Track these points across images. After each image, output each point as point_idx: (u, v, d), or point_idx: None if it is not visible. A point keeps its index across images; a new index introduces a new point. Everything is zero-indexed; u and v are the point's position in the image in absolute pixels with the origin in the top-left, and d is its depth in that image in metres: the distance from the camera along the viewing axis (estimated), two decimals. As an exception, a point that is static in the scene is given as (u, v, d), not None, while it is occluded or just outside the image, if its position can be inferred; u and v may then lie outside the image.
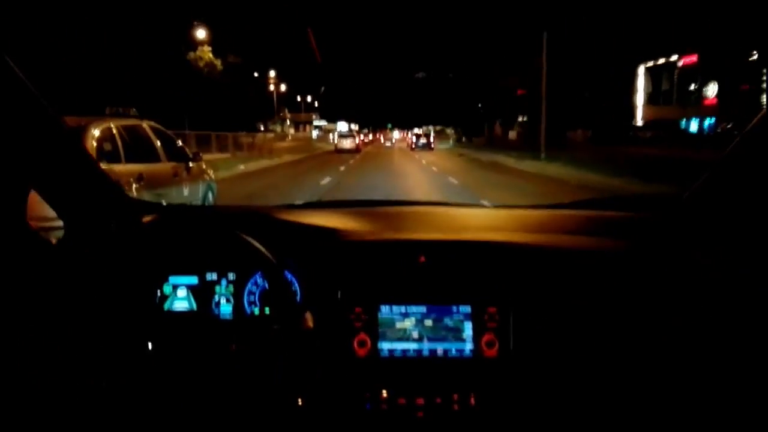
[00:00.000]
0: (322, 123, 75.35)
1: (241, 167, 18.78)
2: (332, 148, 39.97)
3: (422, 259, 1.34)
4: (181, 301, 1.37)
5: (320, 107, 72.36)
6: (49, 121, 1.18)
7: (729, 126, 28.77)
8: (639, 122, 38.61)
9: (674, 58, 36.37)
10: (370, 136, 67.96)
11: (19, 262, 1.22)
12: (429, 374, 1.28)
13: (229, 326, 1.37)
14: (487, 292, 1.31)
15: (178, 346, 1.25)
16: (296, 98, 71.34)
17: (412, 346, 1.30)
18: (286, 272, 1.29)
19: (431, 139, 43.17)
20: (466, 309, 1.30)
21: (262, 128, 43.90)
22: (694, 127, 34.70)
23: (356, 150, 36.79)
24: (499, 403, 1.25)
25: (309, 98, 74.86)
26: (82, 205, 1.31)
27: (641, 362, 1.25)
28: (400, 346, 1.30)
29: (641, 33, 30.95)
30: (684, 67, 35.82)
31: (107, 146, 5.20)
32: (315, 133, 67.75)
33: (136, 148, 5.84)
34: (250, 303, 1.38)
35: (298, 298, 1.32)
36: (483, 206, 2.00)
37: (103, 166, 1.56)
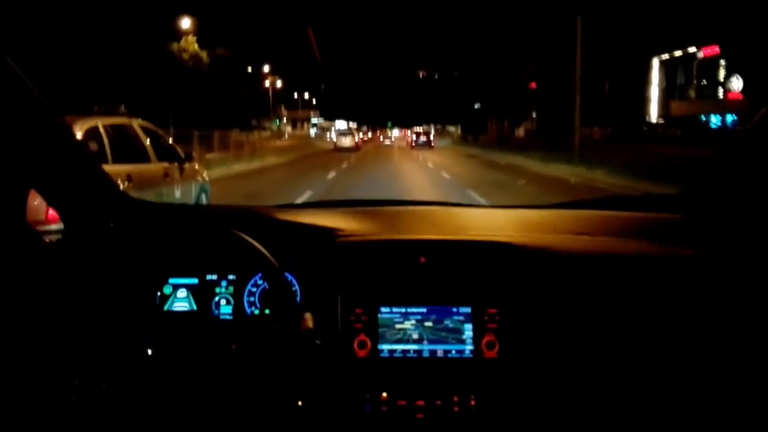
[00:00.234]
0: (319, 121, 75.73)
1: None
2: (330, 146, 40.26)
3: (422, 259, 1.42)
4: (181, 302, 1.44)
5: (319, 105, 72.73)
6: (49, 120, 1.26)
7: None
8: (653, 118, 38.30)
9: (692, 49, 36.25)
10: (369, 134, 68.46)
11: (18, 262, 1.30)
12: (429, 376, 1.35)
13: (229, 327, 1.44)
14: (488, 293, 1.38)
15: (178, 346, 1.32)
16: (293, 95, 71.77)
17: (412, 347, 1.37)
18: (286, 273, 1.37)
19: (431, 137, 43.82)
20: (467, 310, 1.37)
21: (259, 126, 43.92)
22: (714, 122, 34.54)
23: (355, 148, 37.43)
24: (499, 405, 1.32)
25: (307, 95, 75.34)
26: (82, 205, 1.39)
27: (643, 363, 1.33)
28: (400, 347, 1.37)
29: (655, 24, 30.78)
30: (705, 59, 35.74)
31: (93, 146, 5.26)
32: (313, 132, 68.01)
33: (125, 148, 5.92)
34: (250, 304, 1.45)
35: (298, 298, 1.40)
36: (483, 206, 2.09)
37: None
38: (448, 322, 1.38)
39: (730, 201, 1.40)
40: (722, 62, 34.10)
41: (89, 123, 5.37)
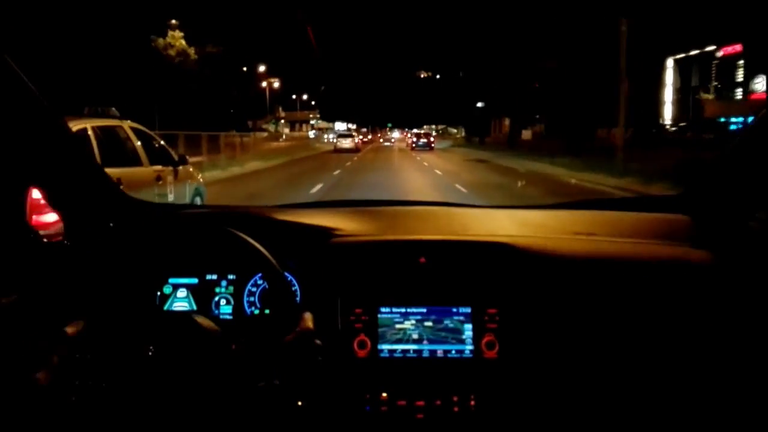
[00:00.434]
0: (316, 122, 76.30)
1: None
2: (328, 148, 40.74)
3: (422, 259, 1.50)
4: (181, 302, 1.52)
5: (319, 106, 73.20)
6: (49, 120, 1.34)
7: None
8: (667, 121, 38.00)
9: (710, 48, 36.17)
10: (369, 136, 69.14)
11: (18, 262, 1.38)
12: (429, 376, 1.42)
13: (228, 327, 1.52)
14: (488, 293, 1.45)
15: (178, 346, 1.39)
16: (292, 96, 72.14)
17: (411, 347, 1.44)
18: (286, 273, 1.44)
19: (431, 139, 44.82)
20: (466, 310, 1.45)
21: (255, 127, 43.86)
22: (734, 125, 34.37)
23: (355, 150, 38.33)
24: (499, 405, 1.39)
25: (306, 96, 75.79)
26: (82, 204, 1.47)
27: (642, 364, 1.40)
28: (399, 347, 1.44)
29: (670, 22, 30.57)
30: (724, 58, 35.67)
31: (81, 149, 5.34)
32: (312, 133, 68.51)
33: (115, 151, 6.00)
34: (250, 304, 1.53)
35: (298, 298, 1.47)
36: (483, 206, 2.16)
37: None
38: (448, 322, 1.45)
39: (731, 201, 1.48)
40: (741, 62, 34.03)
41: (78, 125, 5.43)
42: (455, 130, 70.08)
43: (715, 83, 35.95)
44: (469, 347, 1.44)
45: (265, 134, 46.59)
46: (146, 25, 27.51)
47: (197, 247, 1.53)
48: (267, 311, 1.53)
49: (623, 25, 20.49)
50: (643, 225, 1.63)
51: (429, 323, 1.45)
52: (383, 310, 1.46)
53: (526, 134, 46.66)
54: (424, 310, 1.46)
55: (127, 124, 6.53)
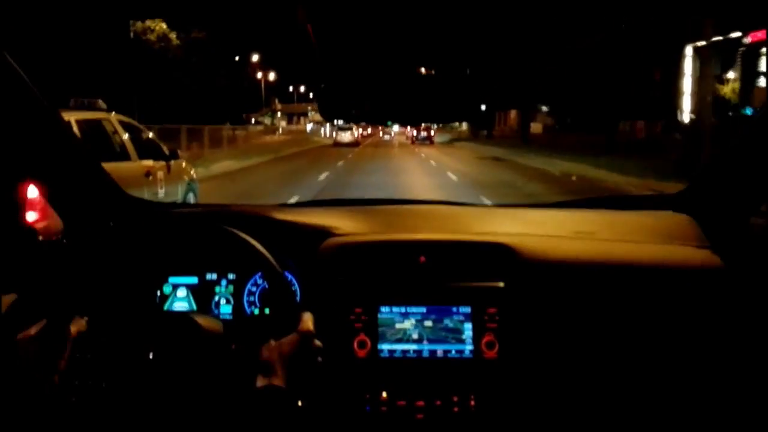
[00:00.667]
0: (311, 114, 76.44)
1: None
2: (324, 143, 40.95)
3: (422, 259, 1.58)
4: (181, 302, 1.61)
5: (318, 102, 73.33)
6: (48, 118, 1.42)
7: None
8: (686, 113, 37.27)
9: (736, 34, 35.77)
10: (369, 130, 69.86)
11: (17, 261, 1.46)
12: (429, 375, 1.51)
13: (228, 326, 1.60)
14: (487, 293, 1.54)
15: (178, 346, 1.48)
16: (289, 88, 72.34)
17: (411, 347, 1.53)
18: (286, 272, 1.52)
19: (431, 133, 46.82)
20: (466, 310, 1.53)
21: (252, 121, 43.57)
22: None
23: (355, 144, 39.12)
24: (499, 405, 1.48)
25: (303, 88, 75.94)
26: (82, 203, 1.56)
27: (642, 364, 1.49)
28: (399, 347, 1.53)
29: (689, 7, 30.04)
30: (751, 45, 35.31)
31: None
32: (309, 127, 68.68)
33: (101, 145, 6.08)
34: (250, 303, 1.62)
35: (298, 298, 1.55)
36: (484, 205, 2.25)
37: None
38: (448, 322, 1.53)
39: (732, 199, 1.56)
40: (764, 50, 33.73)
41: (61, 118, 5.49)
42: (457, 124, 70.70)
43: (746, 72, 35.17)
44: (469, 347, 1.52)
45: (261, 127, 46.86)
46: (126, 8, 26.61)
47: (197, 247, 1.61)
48: (267, 311, 1.61)
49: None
50: (644, 224, 1.71)
51: (429, 323, 1.53)
52: (383, 309, 1.54)
53: (536, 127, 46.50)
54: (424, 310, 1.54)
55: (114, 117, 6.61)
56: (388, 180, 17.08)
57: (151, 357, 1.40)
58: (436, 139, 45.81)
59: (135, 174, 6.53)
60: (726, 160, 1.56)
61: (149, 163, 6.87)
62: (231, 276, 1.63)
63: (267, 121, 57.75)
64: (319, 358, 1.42)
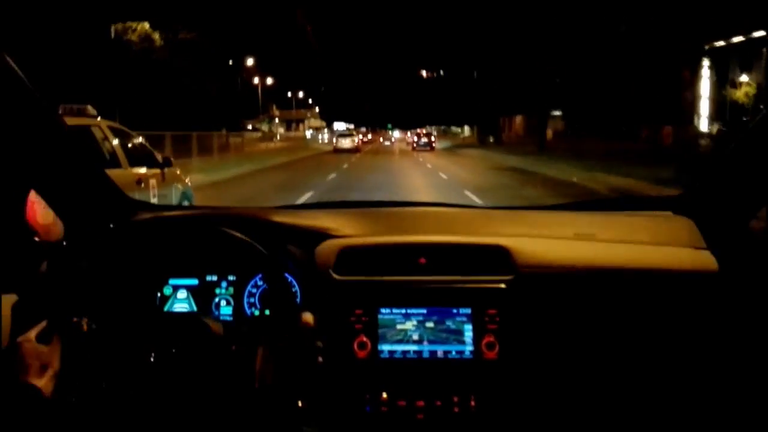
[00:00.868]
0: (310, 120, 77.08)
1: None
2: (325, 149, 41.19)
3: (422, 260, 1.67)
4: (181, 303, 1.69)
5: (319, 106, 74.04)
6: (48, 120, 1.51)
7: None
8: (703, 118, 36.43)
9: (759, 34, 35.42)
10: (369, 136, 70.53)
11: (18, 263, 1.54)
12: (429, 376, 1.59)
13: (229, 328, 1.68)
14: (488, 294, 1.62)
15: (179, 347, 1.55)
16: (287, 94, 72.70)
17: (412, 348, 1.61)
18: (286, 274, 1.60)
19: (432, 139, 46.72)
20: (467, 311, 1.61)
21: (249, 127, 43.38)
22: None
23: (356, 150, 39.63)
24: (499, 406, 1.56)
25: (301, 94, 76.42)
26: (82, 205, 1.64)
27: (641, 365, 1.57)
28: (400, 347, 1.61)
29: (707, 6, 29.43)
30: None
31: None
32: (308, 133, 69.13)
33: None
34: (251, 305, 1.70)
35: (298, 299, 1.63)
36: (483, 207, 2.34)
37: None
38: (448, 323, 1.61)
39: (732, 202, 1.64)
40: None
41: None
42: (459, 130, 70.99)
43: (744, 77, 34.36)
44: (470, 348, 1.60)
45: (258, 134, 47.08)
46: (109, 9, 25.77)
47: (197, 248, 1.69)
48: (267, 312, 1.69)
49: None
50: (644, 226, 1.79)
51: (429, 324, 1.62)
52: (383, 310, 1.62)
53: (547, 133, 46.35)
54: (425, 311, 1.62)
55: (104, 123, 6.67)
56: (388, 194, 15.05)
57: (152, 358, 1.46)
58: (438, 146, 45.32)
59: (125, 182, 6.55)
60: (725, 164, 1.64)
61: (141, 170, 6.92)
62: (231, 277, 1.71)
63: (264, 127, 58.09)
64: (320, 358, 1.49)
